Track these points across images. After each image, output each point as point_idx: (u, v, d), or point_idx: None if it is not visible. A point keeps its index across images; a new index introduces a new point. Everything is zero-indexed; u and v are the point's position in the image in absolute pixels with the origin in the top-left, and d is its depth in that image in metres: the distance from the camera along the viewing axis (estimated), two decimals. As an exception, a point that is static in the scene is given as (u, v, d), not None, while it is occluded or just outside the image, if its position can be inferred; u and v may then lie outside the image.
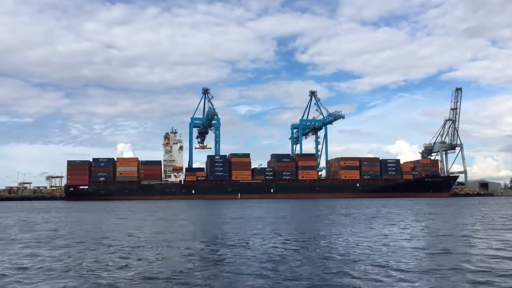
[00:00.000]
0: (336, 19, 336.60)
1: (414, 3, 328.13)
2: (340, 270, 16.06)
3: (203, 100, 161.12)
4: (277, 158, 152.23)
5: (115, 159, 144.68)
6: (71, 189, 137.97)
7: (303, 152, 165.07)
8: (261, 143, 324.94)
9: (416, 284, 14.03)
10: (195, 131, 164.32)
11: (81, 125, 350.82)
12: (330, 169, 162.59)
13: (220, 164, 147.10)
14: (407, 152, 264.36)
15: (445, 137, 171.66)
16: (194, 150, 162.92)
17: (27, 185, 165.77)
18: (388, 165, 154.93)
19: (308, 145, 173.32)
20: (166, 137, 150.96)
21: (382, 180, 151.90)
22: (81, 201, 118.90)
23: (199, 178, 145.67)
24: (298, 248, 21.92)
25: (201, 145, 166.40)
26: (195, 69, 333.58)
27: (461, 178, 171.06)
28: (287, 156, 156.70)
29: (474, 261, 17.74)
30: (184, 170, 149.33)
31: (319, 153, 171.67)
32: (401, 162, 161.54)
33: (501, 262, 17.54)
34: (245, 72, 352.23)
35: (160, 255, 19.90)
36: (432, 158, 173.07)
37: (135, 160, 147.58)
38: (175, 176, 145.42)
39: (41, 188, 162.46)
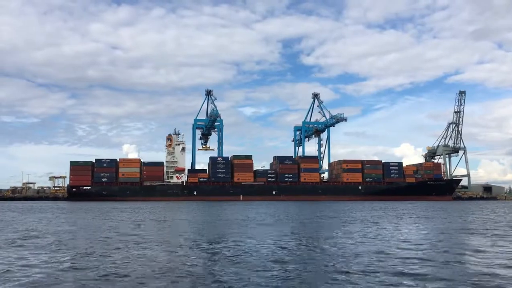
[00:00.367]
0: (342, 22, 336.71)
1: (420, 6, 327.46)
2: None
3: (206, 101, 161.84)
4: (279, 160, 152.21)
5: (118, 160, 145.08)
6: (74, 189, 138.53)
7: (306, 154, 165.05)
8: (266, 144, 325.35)
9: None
10: (198, 133, 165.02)
11: (86, 126, 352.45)
12: (332, 172, 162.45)
13: (222, 165, 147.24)
14: (412, 155, 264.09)
15: (449, 140, 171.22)
16: (197, 152, 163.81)
17: (31, 185, 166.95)
18: (391, 168, 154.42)
19: (311, 148, 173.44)
20: (169, 138, 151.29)
21: (384, 183, 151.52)
22: (83, 202, 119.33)
23: (201, 179, 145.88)
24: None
25: (204, 146, 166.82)
26: (200, 71, 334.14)
27: (464, 182, 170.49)
28: (289, 158, 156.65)
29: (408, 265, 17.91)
30: (186, 171, 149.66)
31: (322, 155, 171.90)
32: (405, 165, 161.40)
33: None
34: (250, 74, 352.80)
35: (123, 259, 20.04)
36: (436, 161, 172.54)
37: (137, 161, 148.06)
38: (177, 178, 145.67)
39: (44, 188, 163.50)
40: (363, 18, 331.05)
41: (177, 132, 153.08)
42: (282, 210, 66.83)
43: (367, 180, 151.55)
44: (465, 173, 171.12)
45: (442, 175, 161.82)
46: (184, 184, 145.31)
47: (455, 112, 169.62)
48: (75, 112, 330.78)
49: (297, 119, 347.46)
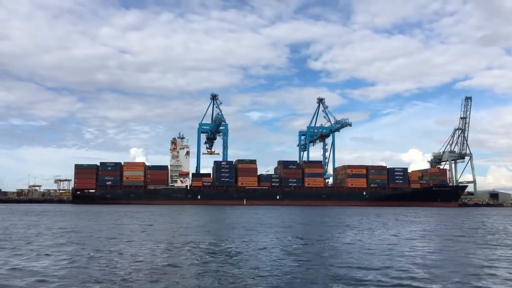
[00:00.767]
0: (350, 27, 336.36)
1: (428, 11, 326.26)
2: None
3: (211, 105, 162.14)
4: (283, 165, 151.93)
5: (122, 164, 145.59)
6: (78, 192, 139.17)
7: (310, 159, 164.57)
8: (272, 149, 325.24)
9: None
10: (204, 137, 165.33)
11: (94, 129, 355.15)
12: (337, 177, 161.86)
13: (226, 170, 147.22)
14: (420, 160, 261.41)
15: (455, 146, 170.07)
16: (202, 156, 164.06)
17: (37, 188, 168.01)
18: (396, 173, 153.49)
19: (317, 153, 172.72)
20: (173, 142, 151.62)
21: (389, 189, 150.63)
22: (87, 205, 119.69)
23: (205, 183, 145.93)
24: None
25: (209, 150, 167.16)
26: (208, 75, 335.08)
27: (471, 188, 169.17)
28: (293, 163, 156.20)
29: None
30: (190, 175, 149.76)
31: (327, 160, 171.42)
32: (411, 170, 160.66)
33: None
34: (257, 78, 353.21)
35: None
36: (441, 167, 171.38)
37: (141, 164, 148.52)
38: (181, 181, 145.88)
39: (50, 191, 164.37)
40: (371, 23, 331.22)
41: (181, 136, 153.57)
42: (283, 215, 66.71)
43: (372, 185, 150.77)
44: (471, 179, 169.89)
45: (448, 181, 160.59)
46: (188, 188, 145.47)
47: (461, 118, 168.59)
48: (83, 115, 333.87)
49: (304, 124, 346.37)
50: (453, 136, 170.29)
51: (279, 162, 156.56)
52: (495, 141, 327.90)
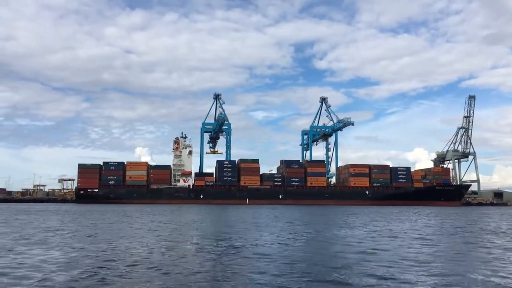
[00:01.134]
0: (355, 26, 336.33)
1: (433, 10, 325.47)
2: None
3: (214, 105, 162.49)
4: (286, 164, 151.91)
5: (125, 163, 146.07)
6: (82, 192, 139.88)
7: (313, 159, 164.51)
8: (277, 149, 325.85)
9: None
10: (207, 136, 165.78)
11: (100, 129, 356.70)
12: (339, 176, 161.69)
13: (229, 169, 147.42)
14: (425, 160, 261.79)
15: (458, 145, 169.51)
16: (205, 155, 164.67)
17: (41, 187, 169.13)
18: (399, 172, 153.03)
19: (320, 152, 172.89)
20: (176, 141, 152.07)
21: (392, 188, 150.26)
22: (90, 204, 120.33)
23: (207, 183, 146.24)
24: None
25: (212, 150, 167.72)
26: (212, 75, 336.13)
27: (474, 187, 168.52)
28: (296, 162, 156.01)
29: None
30: (193, 174, 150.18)
31: (330, 159, 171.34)
32: (413, 169, 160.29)
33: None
34: (262, 78, 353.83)
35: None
36: (445, 166, 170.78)
37: (144, 164, 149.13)
38: (184, 181, 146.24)
39: (55, 190, 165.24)
40: (376, 22, 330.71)
41: (184, 136, 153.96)
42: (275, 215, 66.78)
43: (375, 184, 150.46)
44: (475, 178, 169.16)
45: (451, 180, 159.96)
46: (191, 187, 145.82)
47: (464, 117, 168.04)
48: (89, 115, 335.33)
49: (308, 123, 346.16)
50: (456, 135, 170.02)
51: (282, 162, 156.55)
52: (500, 139, 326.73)
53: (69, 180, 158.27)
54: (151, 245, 25.25)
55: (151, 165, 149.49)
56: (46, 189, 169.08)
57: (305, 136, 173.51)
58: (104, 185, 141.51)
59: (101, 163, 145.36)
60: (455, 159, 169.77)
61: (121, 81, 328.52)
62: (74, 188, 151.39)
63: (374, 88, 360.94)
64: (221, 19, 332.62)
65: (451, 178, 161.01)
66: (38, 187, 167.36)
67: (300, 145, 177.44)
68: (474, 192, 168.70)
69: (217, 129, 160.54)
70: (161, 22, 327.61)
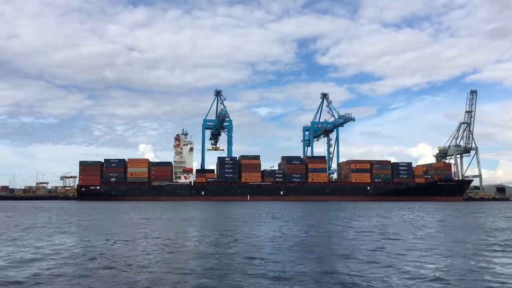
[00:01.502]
0: (357, 21, 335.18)
1: (437, 4, 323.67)
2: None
3: (215, 102, 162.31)
4: (287, 160, 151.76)
5: (126, 160, 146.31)
6: (83, 189, 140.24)
7: (315, 155, 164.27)
8: (280, 145, 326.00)
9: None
10: (208, 133, 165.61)
11: (103, 126, 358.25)
12: (341, 172, 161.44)
13: (230, 165, 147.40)
14: (429, 155, 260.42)
15: (460, 141, 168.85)
16: (207, 152, 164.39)
17: (44, 184, 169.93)
18: (400, 168, 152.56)
19: (322, 148, 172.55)
20: (177, 138, 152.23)
21: (393, 184, 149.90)
22: (91, 201, 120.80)
23: (209, 179, 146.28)
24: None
25: (214, 146, 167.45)
26: (215, 71, 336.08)
27: (477, 182, 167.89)
28: (297, 158, 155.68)
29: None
30: (194, 171, 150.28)
31: (331, 155, 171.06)
32: (415, 165, 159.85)
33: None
34: (265, 74, 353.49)
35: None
36: (447, 161, 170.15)
37: (145, 161, 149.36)
38: (185, 178, 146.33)
39: (58, 187, 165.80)
40: (379, 17, 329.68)
41: (185, 133, 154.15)
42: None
43: (376, 180, 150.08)
44: (477, 173, 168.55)
45: (453, 176, 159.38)
46: (192, 184, 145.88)
47: (466, 111, 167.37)
48: (92, 112, 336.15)
49: (311, 119, 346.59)
50: (458, 130, 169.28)
51: (283, 158, 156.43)
52: (505, 134, 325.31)
53: (71, 177, 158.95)
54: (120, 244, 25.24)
55: (152, 162, 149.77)
56: (49, 186, 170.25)
57: (307, 132, 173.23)
58: (106, 182, 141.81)
59: (103, 160, 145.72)
60: (457, 154, 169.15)
61: (124, 78, 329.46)
62: (75, 185, 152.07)
63: (377, 84, 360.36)
64: (223, 16, 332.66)
65: (453, 173, 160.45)
66: (41, 185, 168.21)
67: (302, 141, 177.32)
68: (476, 187, 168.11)
69: (218, 126, 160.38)
70: (163, 19, 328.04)
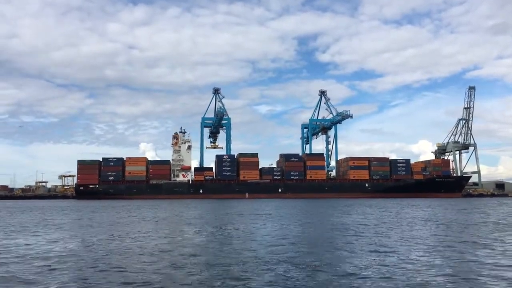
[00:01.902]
0: (358, 18, 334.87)
1: (437, 1, 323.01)
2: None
3: (214, 100, 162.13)
4: (285, 158, 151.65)
5: (125, 159, 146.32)
6: (81, 188, 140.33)
7: (314, 152, 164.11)
8: (280, 143, 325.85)
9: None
10: (207, 131, 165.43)
11: (104, 125, 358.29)
12: (339, 169, 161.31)
13: (228, 163, 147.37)
14: (429, 152, 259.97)
15: (459, 137, 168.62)
16: (206, 150, 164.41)
17: (43, 184, 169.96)
18: (398, 165, 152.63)
19: (321, 145, 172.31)
20: (175, 137, 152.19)
21: (392, 180, 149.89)
22: (89, 200, 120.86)
23: (207, 177, 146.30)
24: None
25: (212, 144, 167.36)
26: (216, 69, 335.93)
27: (475, 178, 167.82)
28: (295, 156, 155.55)
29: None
30: (192, 169, 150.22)
31: (330, 152, 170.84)
32: (418, 161, 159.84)
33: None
34: (265, 72, 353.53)
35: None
36: (446, 158, 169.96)
37: (143, 159, 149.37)
38: (183, 176, 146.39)
39: (57, 187, 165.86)
40: (379, 14, 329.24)
41: (183, 131, 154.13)
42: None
43: (374, 177, 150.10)
44: (475, 169, 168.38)
45: (452, 172, 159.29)
46: (190, 182, 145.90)
47: (465, 108, 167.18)
48: (93, 111, 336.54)
49: (309, 117, 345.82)
50: (457, 126, 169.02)
51: (281, 155, 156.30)
52: (506, 130, 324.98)
53: (70, 176, 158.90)
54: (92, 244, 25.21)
55: (150, 161, 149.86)
56: (49, 185, 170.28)
57: (305, 130, 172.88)
58: (104, 181, 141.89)
59: (101, 159, 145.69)
60: (456, 150, 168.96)
61: (125, 77, 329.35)
62: (74, 184, 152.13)
63: (377, 81, 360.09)
64: (223, 13, 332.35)
65: (451, 170, 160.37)
66: (40, 184, 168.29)
67: (300, 138, 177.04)
68: (475, 184, 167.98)
69: (217, 124, 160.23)
70: (163, 17, 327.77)
